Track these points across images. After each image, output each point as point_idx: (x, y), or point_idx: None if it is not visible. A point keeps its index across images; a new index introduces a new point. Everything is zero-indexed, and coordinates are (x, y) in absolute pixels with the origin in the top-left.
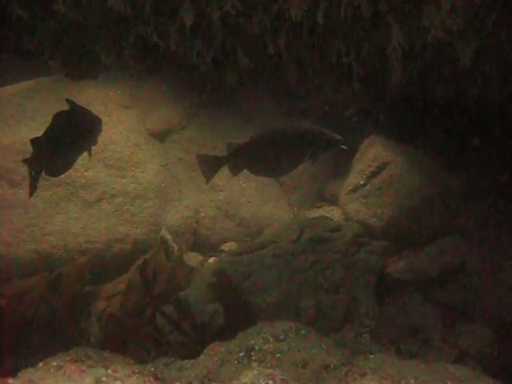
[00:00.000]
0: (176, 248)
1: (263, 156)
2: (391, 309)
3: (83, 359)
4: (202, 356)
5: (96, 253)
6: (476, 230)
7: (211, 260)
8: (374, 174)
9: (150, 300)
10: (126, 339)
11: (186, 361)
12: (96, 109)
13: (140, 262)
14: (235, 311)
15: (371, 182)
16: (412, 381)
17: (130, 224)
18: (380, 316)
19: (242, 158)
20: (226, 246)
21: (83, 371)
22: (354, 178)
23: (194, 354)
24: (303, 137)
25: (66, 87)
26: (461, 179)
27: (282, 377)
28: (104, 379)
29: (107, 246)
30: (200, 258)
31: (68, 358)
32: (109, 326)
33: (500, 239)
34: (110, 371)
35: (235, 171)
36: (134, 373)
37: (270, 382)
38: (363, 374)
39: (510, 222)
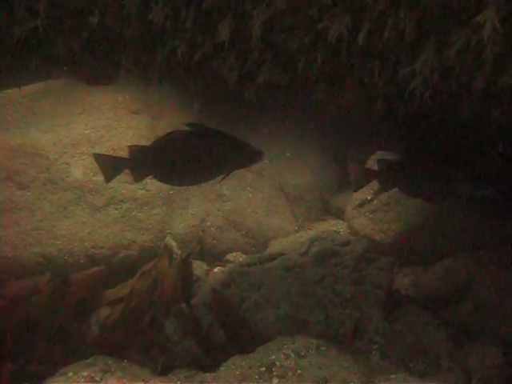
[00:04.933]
0: (180, 255)
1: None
2: (399, 326)
3: (112, 370)
4: (223, 369)
5: (102, 258)
6: (485, 249)
7: (216, 269)
8: (381, 190)
9: (151, 306)
10: (123, 346)
11: (207, 374)
12: (106, 114)
13: (144, 268)
14: (234, 327)
15: (379, 198)
16: None
17: (136, 230)
18: (389, 333)
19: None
20: (232, 256)
21: None
22: (362, 192)
23: (202, 365)
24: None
25: (75, 90)
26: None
27: None
28: None
29: (113, 251)
30: (205, 267)
31: (97, 369)
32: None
33: (509, 258)
34: None
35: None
36: None
37: None
38: None
39: None
